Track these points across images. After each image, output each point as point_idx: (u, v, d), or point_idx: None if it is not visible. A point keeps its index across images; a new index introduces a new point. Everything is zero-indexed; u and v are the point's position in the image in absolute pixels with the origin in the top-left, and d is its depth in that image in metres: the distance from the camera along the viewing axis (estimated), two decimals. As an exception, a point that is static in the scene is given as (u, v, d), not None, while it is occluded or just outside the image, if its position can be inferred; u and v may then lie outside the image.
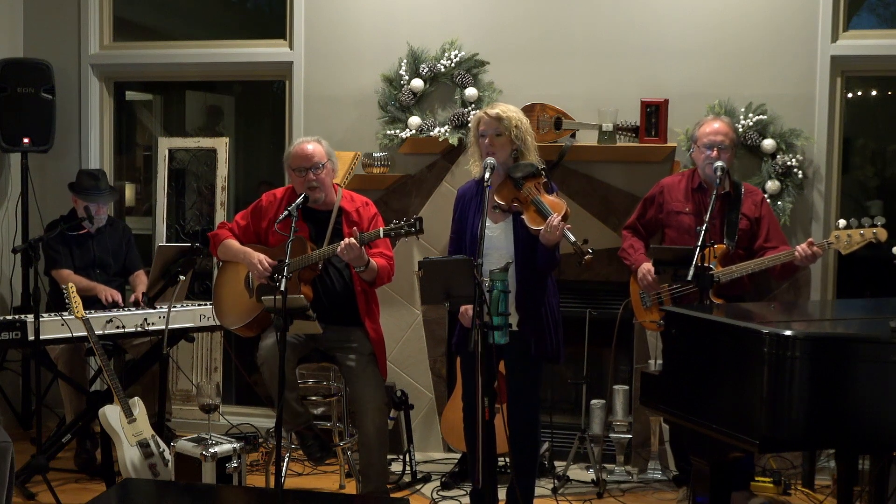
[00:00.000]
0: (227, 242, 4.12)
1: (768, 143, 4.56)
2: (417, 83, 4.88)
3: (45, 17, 5.50)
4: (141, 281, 4.89)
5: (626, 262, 4.30)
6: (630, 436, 4.67)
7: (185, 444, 4.02)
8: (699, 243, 3.63)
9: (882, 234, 3.78)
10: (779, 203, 4.53)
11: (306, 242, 3.91)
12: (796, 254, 3.90)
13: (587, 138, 4.75)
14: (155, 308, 4.57)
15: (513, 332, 3.51)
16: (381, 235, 3.79)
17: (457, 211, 3.91)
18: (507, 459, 4.34)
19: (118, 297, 4.69)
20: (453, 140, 4.81)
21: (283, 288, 3.40)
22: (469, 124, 4.70)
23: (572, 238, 3.51)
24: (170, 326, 4.42)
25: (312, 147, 4.01)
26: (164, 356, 4.43)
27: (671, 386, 3.18)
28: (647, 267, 4.12)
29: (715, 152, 4.04)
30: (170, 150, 5.47)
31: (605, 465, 4.64)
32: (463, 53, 4.86)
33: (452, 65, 4.85)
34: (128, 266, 5.01)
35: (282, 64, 5.24)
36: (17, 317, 4.33)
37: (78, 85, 5.47)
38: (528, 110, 4.55)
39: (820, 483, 4.48)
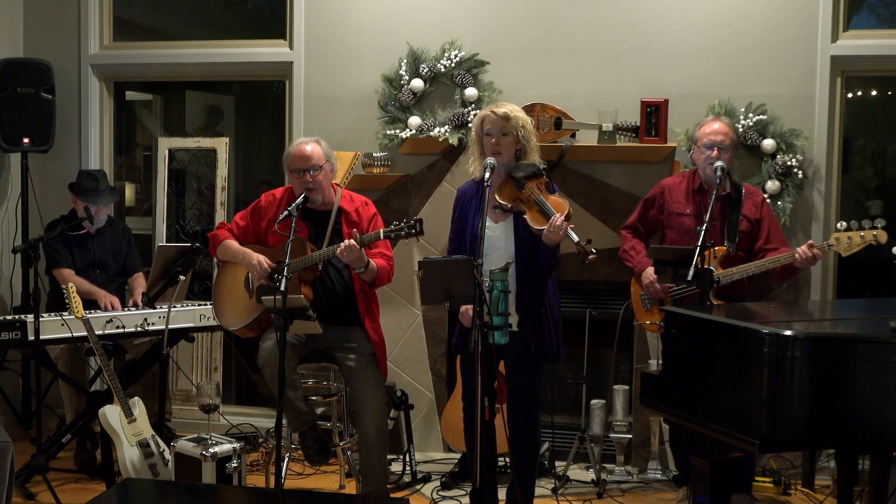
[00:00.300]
0: (226, 243, 4.12)
1: (768, 143, 4.56)
2: (417, 83, 4.88)
3: (45, 17, 5.50)
4: (139, 283, 4.89)
5: (629, 263, 4.29)
6: (630, 436, 4.67)
7: (185, 444, 4.02)
8: (699, 244, 3.63)
9: (882, 237, 3.78)
10: (779, 203, 4.53)
11: (306, 243, 3.91)
12: (796, 256, 3.90)
13: (587, 138, 4.75)
14: (155, 308, 4.58)
15: (513, 332, 3.51)
16: (382, 237, 3.79)
17: (456, 211, 3.91)
18: (507, 459, 4.34)
19: (118, 305, 4.67)
20: (453, 140, 4.81)
21: (282, 288, 3.40)
22: (469, 124, 4.73)
23: (576, 238, 3.51)
24: (170, 326, 4.42)
25: (311, 148, 4.00)
26: (164, 356, 4.43)
27: (671, 386, 3.18)
28: (653, 275, 4.11)
29: (715, 152, 4.04)
30: (170, 150, 5.47)
31: (605, 465, 4.64)
32: (463, 53, 4.86)
33: (452, 65, 4.85)
34: (128, 267, 5.00)
35: (282, 64, 5.24)
36: (17, 317, 4.33)
37: (78, 85, 5.47)
38: (528, 110, 4.54)
39: (820, 483, 4.48)
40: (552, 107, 4.71)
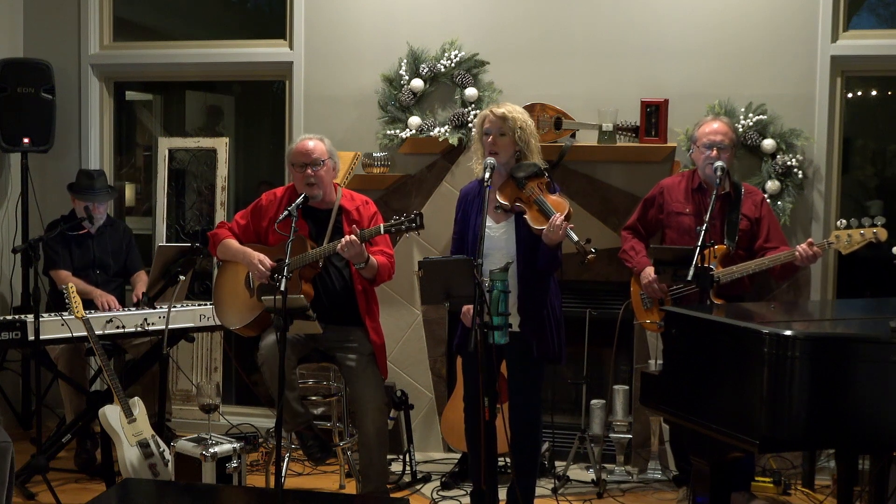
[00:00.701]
0: (226, 242, 4.12)
1: (768, 143, 4.56)
2: (417, 83, 4.88)
3: (45, 17, 5.50)
4: (141, 280, 4.89)
5: (628, 264, 4.29)
6: (630, 436, 4.67)
7: (185, 444, 4.02)
8: (699, 243, 3.63)
9: (882, 234, 3.78)
10: (779, 203, 4.53)
11: (306, 241, 3.92)
12: (796, 254, 3.90)
13: (587, 138, 4.75)
14: (155, 308, 4.57)
15: (514, 332, 3.52)
16: (382, 231, 3.80)
17: (459, 211, 3.90)
18: (508, 459, 4.34)
19: (114, 304, 4.66)
20: (453, 140, 4.81)
21: (283, 288, 3.40)
22: (469, 124, 4.74)
23: (575, 237, 3.50)
24: (170, 326, 4.42)
25: (313, 144, 4.02)
26: (164, 356, 4.43)
27: (671, 386, 3.17)
28: (653, 275, 4.11)
29: (714, 152, 4.04)
30: (170, 150, 5.47)
31: (605, 465, 4.64)
32: (463, 53, 4.86)
33: (452, 65, 4.85)
34: (128, 267, 5.01)
35: (282, 64, 5.24)
36: (17, 317, 4.33)
37: (78, 85, 5.47)
38: (528, 110, 4.52)
39: (820, 483, 4.48)
40: (552, 107, 4.71)
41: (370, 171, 4.95)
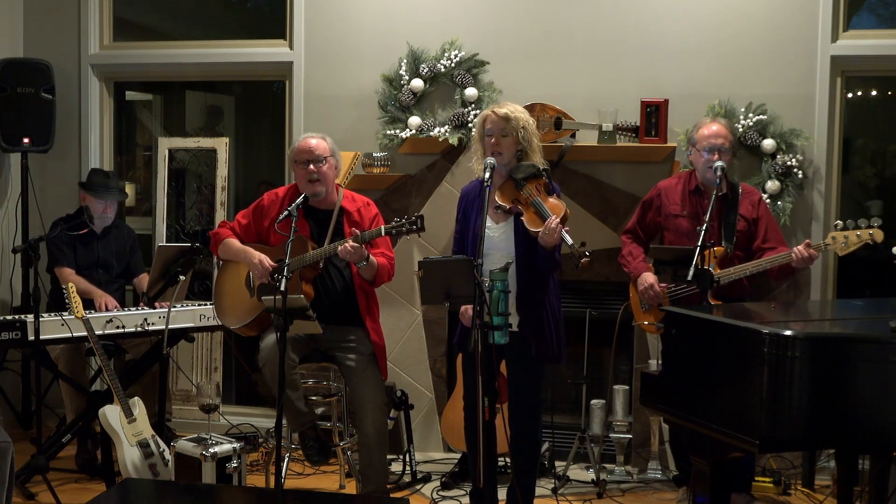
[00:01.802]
0: (227, 241, 4.13)
1: (768, 143, 4.56)
2: (417, 83, 4.88)
3: (45, 17, 5.50)
4: (145, 282, 4.89)
5: (626, 269, 4.29)
6: (630, 436, 4.67)
7: (185, 444, 4.02)
8: (699, 244, 3.63)
9: (878, 235, 3.78)
10: (779, 203, 4.53)
11: (307, 241, 3.92)
12: (793, 255, 3.90)
13: (587, 138, 4.75)
14: (155, 308, 4.58)
15: (513, 332, 3.51)
16: (383, 233, 3.80)
17: (460, 210, 3.91)
18: (508, 459, 4.34)
19: (111, 306, 4.66)
20: (453, 140, 4.81)
21: (283, 288, 3.40)
22: (469, 124, 4.74)
23: (569, 241, 3.50)
24: (170, 326, 4.42)
25: (316, 141, 4.04)
26: (164, 356, 4.43)
27: (671, 386, 3.18)
28: (649, 281, 4.11)
29: (716, 155, 4.04)
30: (170, 150, 5.47)
31: (605, 465, 4.64)
32: (463, 53, 4.86)
33: (452, 65, 4.85)
34: (131, 268, 5.01)
35: (282, 64, 5.24)
36: (17, 317, 4.33)
37: (78, 85, 5.47)
38: (528, 110, 4.49)
39: (820, 483, 4.48)
40: (552, 107, 4.71)
41: (370, 171, 4.95)
